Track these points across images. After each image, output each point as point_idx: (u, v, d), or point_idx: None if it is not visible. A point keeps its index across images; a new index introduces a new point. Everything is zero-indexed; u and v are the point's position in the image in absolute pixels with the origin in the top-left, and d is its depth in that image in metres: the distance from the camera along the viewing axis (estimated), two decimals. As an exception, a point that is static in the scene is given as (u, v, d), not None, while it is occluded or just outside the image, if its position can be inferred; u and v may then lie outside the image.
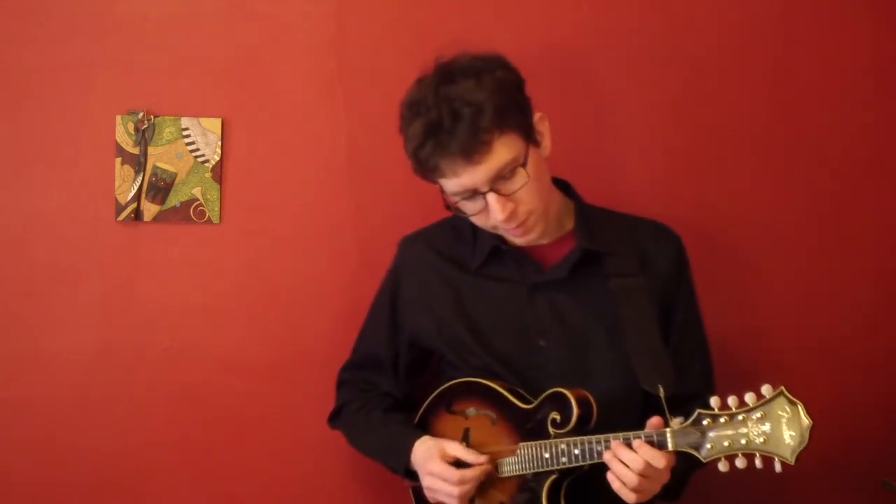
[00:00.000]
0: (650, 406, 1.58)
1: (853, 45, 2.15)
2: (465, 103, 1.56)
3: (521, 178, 1.60)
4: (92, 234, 1.97)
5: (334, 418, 1.95)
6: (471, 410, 1.73)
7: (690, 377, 1.74)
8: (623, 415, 1.61)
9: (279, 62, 2.02)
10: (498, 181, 1.59)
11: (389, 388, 1.90)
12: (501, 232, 1.72)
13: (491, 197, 1.60)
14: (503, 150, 1.58)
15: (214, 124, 2.00)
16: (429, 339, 1.83)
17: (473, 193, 1.61)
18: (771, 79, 2.13)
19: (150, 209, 1.99)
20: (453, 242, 1.84)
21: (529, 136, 1.64)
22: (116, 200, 1.97)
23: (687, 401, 1.55)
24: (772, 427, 1.38)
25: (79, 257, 1.97)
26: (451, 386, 1.77)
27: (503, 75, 1.62)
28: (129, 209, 1.97)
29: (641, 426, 1.53)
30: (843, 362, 2.16)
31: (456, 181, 1.60)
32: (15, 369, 1.96)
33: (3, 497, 1.96)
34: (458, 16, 2.06)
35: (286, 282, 2.04)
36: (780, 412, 1.37)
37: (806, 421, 1.35)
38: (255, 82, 2.02)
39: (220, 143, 2.00)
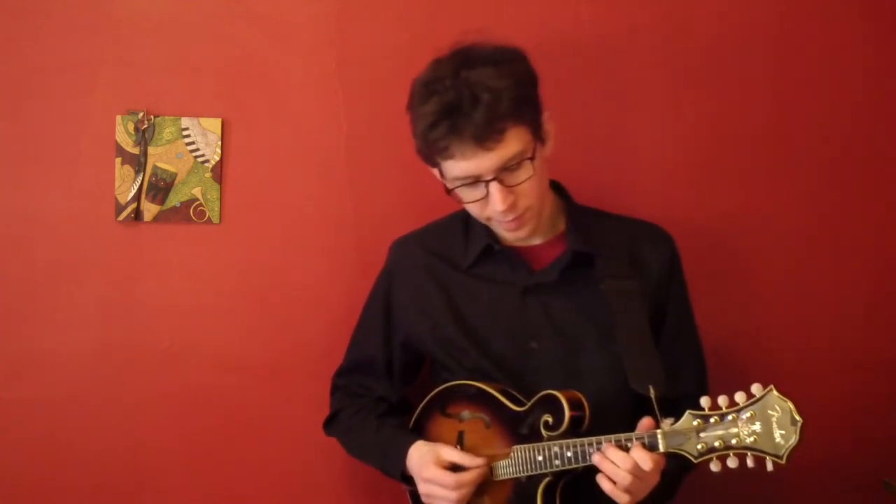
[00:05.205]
0: (643, 408, 1.57)
1: (853, 45, 2.15)
2: (485, 89, 1.55)
3: (525, 171, 1.60)
4: (92, 234, 1.97)
5: (329, 425, 1.94)
6: (465, 413, 1.72)
7: (683, 379, 1.74)
8: (616, 416, 1.60)
9: (279, 62, 2.02)
10: (504, 171, 1.59)
11: (383, 391, 1.89)
12: (494, 225, 1.71)
13: (494, 186, 1.59)
14: (514, 142, 1.58)
15: (214, 124, 2.00)
16: (422, 341, 1.83)
17: (476, 180, 1.61)
18: (770, 78, 2.13)
19: (150, 209, 1.99)
20: (445, 241, 1.83)
21: (538, 132, 1.64)
22: (116, 200, 1.97)
23: (680, 402, 1.54)
24: (762, 426, 1.37)
25: (79, 257, 1.97)
26: (444, 389, 1.77)
27: (522, 68, 1.63)
28: (129, 209, 1.97)
29: (634, 428, 1.52)
30: (843, 362, 2.16)
31: (463, 165, 1.58)
32: (15, 369, 1.96)
33: (3, 497, 1.96)
34: (458, 15, 2.05)
35: (286, 282, 2.04)
36: (770, 411, 1.37)
37: (797, 419, 1.35)
38: (255, 82, 2.01)
39: (220, 143, 2.00)
